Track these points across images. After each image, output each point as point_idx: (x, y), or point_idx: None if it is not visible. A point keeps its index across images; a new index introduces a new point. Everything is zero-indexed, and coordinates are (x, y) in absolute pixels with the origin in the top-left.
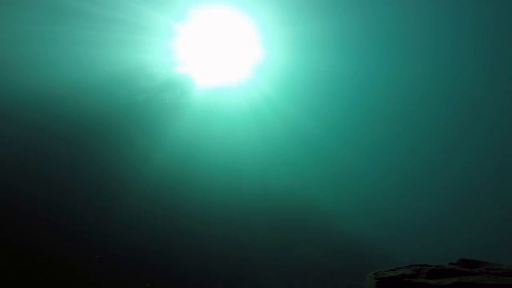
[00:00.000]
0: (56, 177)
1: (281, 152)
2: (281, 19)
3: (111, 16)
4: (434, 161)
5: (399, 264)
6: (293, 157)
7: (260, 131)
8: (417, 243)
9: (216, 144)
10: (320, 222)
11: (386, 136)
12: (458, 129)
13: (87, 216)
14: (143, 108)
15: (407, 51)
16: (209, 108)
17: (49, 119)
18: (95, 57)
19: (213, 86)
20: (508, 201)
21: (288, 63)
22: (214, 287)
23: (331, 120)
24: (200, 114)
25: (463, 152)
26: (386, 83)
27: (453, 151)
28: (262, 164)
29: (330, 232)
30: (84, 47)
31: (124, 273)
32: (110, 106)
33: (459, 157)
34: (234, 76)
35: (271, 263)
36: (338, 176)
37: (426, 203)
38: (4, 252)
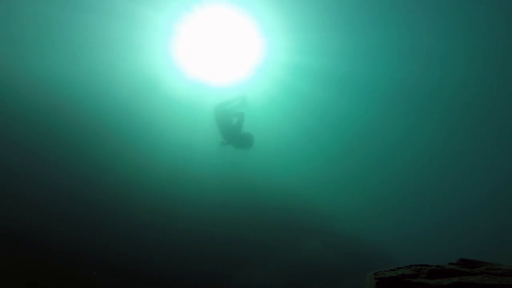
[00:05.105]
0: (50, 182)
1: (285, 153)
2: (283, 18)
3: (107, 15)
4: (437, 162)
5: (399, 264)
6: (295, 158)
7: (263, 130)
8: (417, 243)
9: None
10: (321, 222)
11: (391, 139)
12: (463, 133)
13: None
14: (142, 109)
15: (414, 53)
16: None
17: (45, 121)
18: (91, 58)
19: (215, 86)
20: (508, 201)
21: (293, 63)
22: (210, 286)
23: (336, 121)
24: (202, 114)
25: (467, 153)
26: (394, 84)
27: (456, 153)
28: (265, 164)
29: (330, 233)
30: (80, 47)
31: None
32: (107, 109)
33: (462, 158)
34: (235, 75)
35: (271, 263)
36: (340, 177)
37: (427, 203)
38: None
